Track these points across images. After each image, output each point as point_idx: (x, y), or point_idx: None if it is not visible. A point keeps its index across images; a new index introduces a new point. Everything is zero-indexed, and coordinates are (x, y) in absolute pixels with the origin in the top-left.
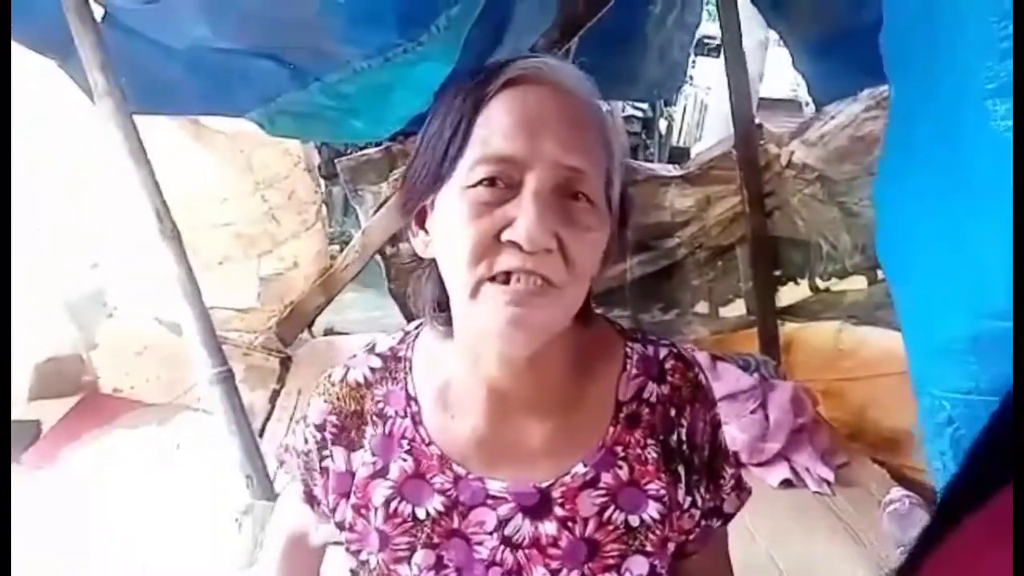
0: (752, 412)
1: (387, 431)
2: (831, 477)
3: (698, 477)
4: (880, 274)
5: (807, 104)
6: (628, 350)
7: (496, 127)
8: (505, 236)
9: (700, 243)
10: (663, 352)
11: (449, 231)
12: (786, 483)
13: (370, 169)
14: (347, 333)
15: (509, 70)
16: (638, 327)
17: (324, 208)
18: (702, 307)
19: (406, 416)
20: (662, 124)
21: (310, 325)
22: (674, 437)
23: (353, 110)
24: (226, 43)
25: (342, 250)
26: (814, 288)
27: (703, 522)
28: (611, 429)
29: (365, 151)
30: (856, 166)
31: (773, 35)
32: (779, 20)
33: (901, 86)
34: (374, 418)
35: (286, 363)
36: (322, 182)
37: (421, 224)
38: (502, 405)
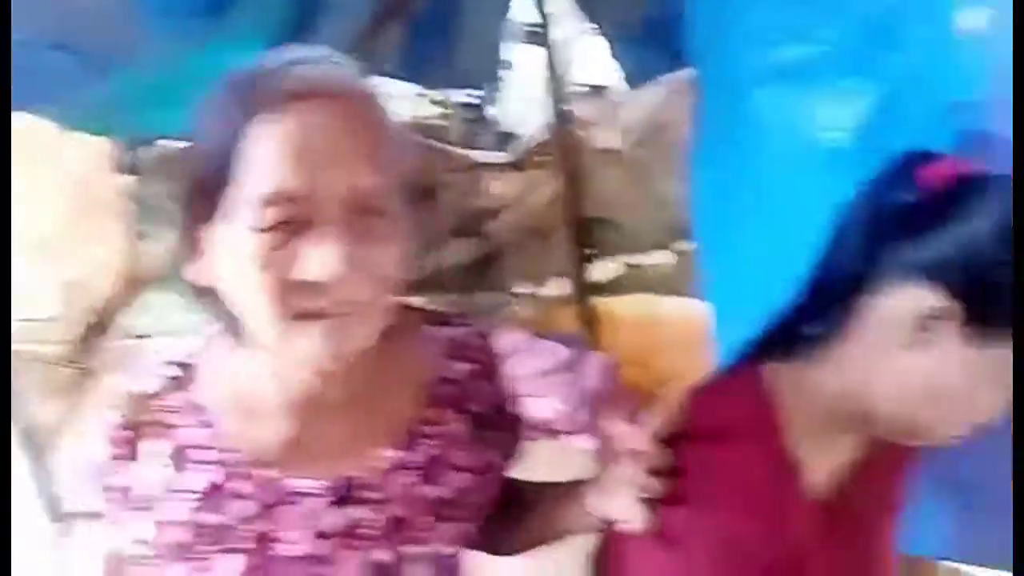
0: (567, 384)
1: (183, 442)
2: None
3: (507, 440)
4: (681, 248)
5: (615, 91)
6: (432, 333)
7: (278, 159)
8: (299, 274)
9: (521, 226)
10: (463, 332)
11: (239, 272)
12: None
13: (175, 163)
14: (150, 336)
15: (280, 84)
16: (464, 311)
17: (129, 207)
18: (525, 287)
19: (202, 425)
20: (491, 111)
21: (111, 331)
22: (480, 409)
23: (156, 101)
24: (16, 34)
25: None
26: (625, 264)
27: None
28: (418, 410)
29: (170, 144)
30: (656, 149)
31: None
32: (589, 8)
33: (699, 72)
34: (168, 430)
35: (85, 373)
36: (126, 179)
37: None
38: (310, 408)
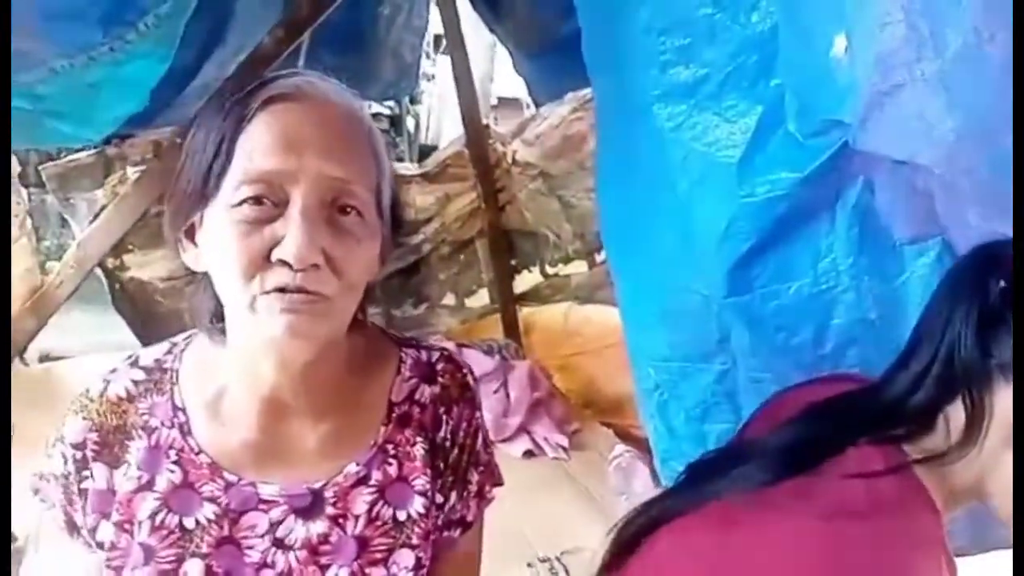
0: (495, 392)
1: (153, 443)
2: (566, 443)
3: (452, 477)
4: (598, 258)
5: (528, 105)
6: (403, 355)
7: (257, 145)
8: (274, 255)
9: (443, 238)
10: (435, 355)
11: (219, 248)
12: (528, 453)
13: (81, 175)
14: (68, 357)
15: (269, 88)
16: (390, 323)
17: (30, 220)
18: (449, 299)
19: (173, 427)
20: (410, 122)
21: (22, 352)
22: (440, 434)
23: (56, 112)
24: None
25: None
26: (544, 274)
27: (445, 532)
28: (383, 428)
29: (75, 156)
30: (569, 162)
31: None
32: (496, 24)
33: (598, 91)
34: (139, 431)
35: None
36: (24, 192)
37: (191, 238)
38: (277, 412)
